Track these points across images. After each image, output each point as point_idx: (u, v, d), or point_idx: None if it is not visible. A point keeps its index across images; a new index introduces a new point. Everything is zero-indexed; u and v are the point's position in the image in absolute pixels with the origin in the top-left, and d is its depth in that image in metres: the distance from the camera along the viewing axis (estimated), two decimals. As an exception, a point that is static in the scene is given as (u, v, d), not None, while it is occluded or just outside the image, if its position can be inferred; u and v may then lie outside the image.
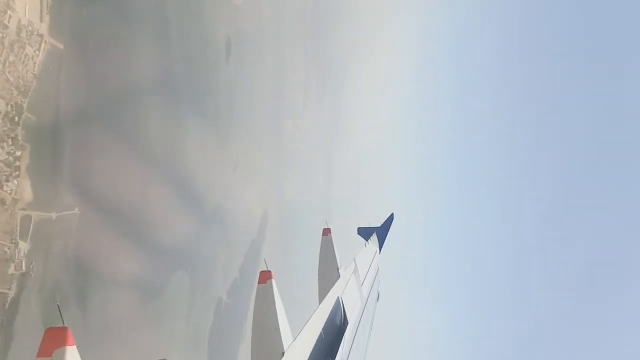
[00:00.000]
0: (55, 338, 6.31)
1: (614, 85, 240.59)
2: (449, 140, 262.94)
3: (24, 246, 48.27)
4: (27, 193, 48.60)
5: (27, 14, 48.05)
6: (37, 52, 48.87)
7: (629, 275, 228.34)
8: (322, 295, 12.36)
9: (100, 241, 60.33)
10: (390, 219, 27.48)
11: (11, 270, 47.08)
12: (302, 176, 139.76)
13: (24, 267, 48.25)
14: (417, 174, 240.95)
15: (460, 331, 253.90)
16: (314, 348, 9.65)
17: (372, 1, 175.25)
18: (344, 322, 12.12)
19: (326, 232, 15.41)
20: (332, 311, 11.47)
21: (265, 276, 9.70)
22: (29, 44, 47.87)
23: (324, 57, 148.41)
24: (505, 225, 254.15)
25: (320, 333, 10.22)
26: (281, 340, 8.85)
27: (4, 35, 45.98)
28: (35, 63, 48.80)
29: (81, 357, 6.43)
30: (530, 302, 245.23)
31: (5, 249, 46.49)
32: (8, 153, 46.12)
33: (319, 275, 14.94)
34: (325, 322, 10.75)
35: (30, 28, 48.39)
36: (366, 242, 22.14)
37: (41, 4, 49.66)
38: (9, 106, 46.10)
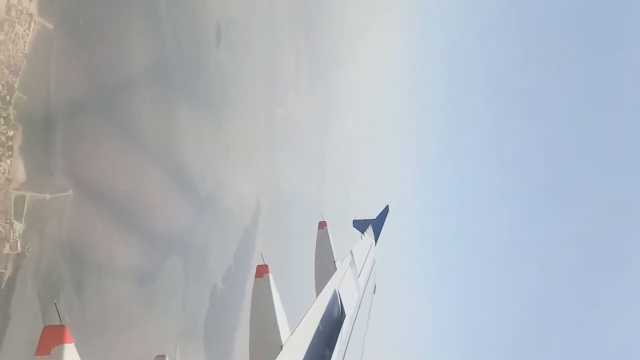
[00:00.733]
0: (53, 336, 6.28)
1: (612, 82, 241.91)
2: (446, 128, 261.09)
3: (18, 226, 48.20)
4: (21, 173, 48.46)
5: (16, -7, 47.71)
6: (27, 32, 48.53)
7: (628, 274, 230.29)
8: (319, 288, 12.38)
9: (94, 224, 60.28)
10: (385, 211, 27.84)
11: (6, 250, 47.03)
12: (295, 163, 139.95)
13: (19, 248, 48.20)
14: (413, 163, 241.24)
15: (455, 323, 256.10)
16: (312, 341, 9.63)
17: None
18: (342, 315, 12.13)
19: (322, 225, 15.48)
20: (329, 304, 11.47)
21: (262, 270, 9.69)
22: (18, 22, 47.53)
23: (316, 42, 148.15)
24: (503, 218, 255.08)
25: (318, 326, 10.22)
26: (279, 334, 8.86)
27: (-6, 14, 45.68)
28: (25, 42, 48.50)
29: (79, 351, 6.46)
30: (525, 294, 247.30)
31: (0, 228, 46.41)
32: (0, 132, 45.92)
33: (315, 268, 14.98)
34: (323, 315, 10.74)
35: (19, 7, 48.04)
36: (362, 235, 22.24)
37: (30, -17, 49.27)
38: (0, 85, 45.86)
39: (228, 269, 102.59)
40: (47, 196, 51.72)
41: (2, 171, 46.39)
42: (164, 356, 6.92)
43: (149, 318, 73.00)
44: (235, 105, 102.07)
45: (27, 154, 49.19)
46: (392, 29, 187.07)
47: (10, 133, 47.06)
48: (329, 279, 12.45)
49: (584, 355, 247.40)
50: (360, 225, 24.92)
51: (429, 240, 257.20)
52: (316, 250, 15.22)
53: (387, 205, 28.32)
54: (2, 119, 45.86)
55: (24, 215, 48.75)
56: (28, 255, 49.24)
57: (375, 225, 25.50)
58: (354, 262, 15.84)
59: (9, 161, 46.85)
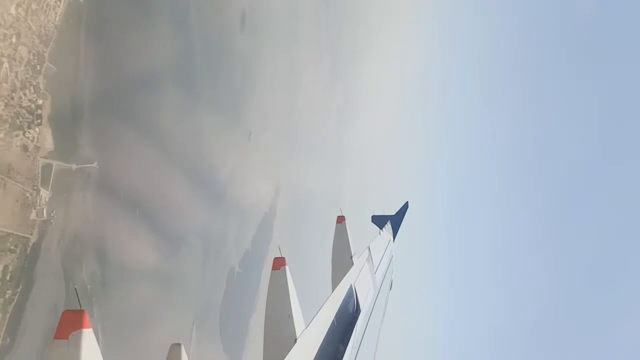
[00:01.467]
0: (72, 321, 6.33)
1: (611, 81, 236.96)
2: (469, 126, 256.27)
3: (45, 194, 49.25)
4: (48, 142, 49.49)
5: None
6: (58, 3, 49.53)
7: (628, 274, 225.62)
8: (336, 282, 12.28)
9: (117, 198, 61.28)
10: (405, 207, 27.60)
11: (33, 216, 48.11)
12: (314, 155, 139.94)
13: (45, 215, 49.26)
14: (438, 159, 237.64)
15: (472, 321, 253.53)
16: (326, 335, 9.65)
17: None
18: (357, 310, 12.10)
19: (340, 219, 15.30)
20: (344, 299, 11.46)
21: (279, 263, 9.69)
22: (50, -7, 48.61)
23: (339, 35, 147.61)
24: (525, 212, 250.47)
25: (333, 321, 10.23)
26: (294, 327, 8.85)
27: (27, -17, 46.68)
28: (56, 14, 49.51)
29: (99, 327, 6.53)
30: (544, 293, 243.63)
31: (27, 194, 47.47)
32: (30, 100, 46.95)
33: (332, 262, 14.83)
34: (338, 310, 10.75)
35: (52, -22, 49.10)
36: (380, 230, 21.93)
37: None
38: (31, 54, 46.88)
39: (245, 254, 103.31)
40: (73, 166, 52.75)
41: (32, 138, 47.43)
42: (179, 344, 6.91)
43: (166, 297, 73.99)
44: (257, 95, 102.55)
45: (55, 124, 50.21)
46: (421, 22, 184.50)
47: (40, 102, 48.11)
48: (345, 274, 12.40)
49: (588, 357, 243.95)
50: (379, 220, 24.43)
51: (447, 237, 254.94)
52: (333, 245, 15.02)
53: (407, 202, 28.10)
54: (32, 87, 46.88)
55: (50, 183, 49.80)
56: (53, 223, 50.29)
57: (394, 221, 25.24)
58: (371, 257, 15.78)
59: (37, 129, 47.90)
